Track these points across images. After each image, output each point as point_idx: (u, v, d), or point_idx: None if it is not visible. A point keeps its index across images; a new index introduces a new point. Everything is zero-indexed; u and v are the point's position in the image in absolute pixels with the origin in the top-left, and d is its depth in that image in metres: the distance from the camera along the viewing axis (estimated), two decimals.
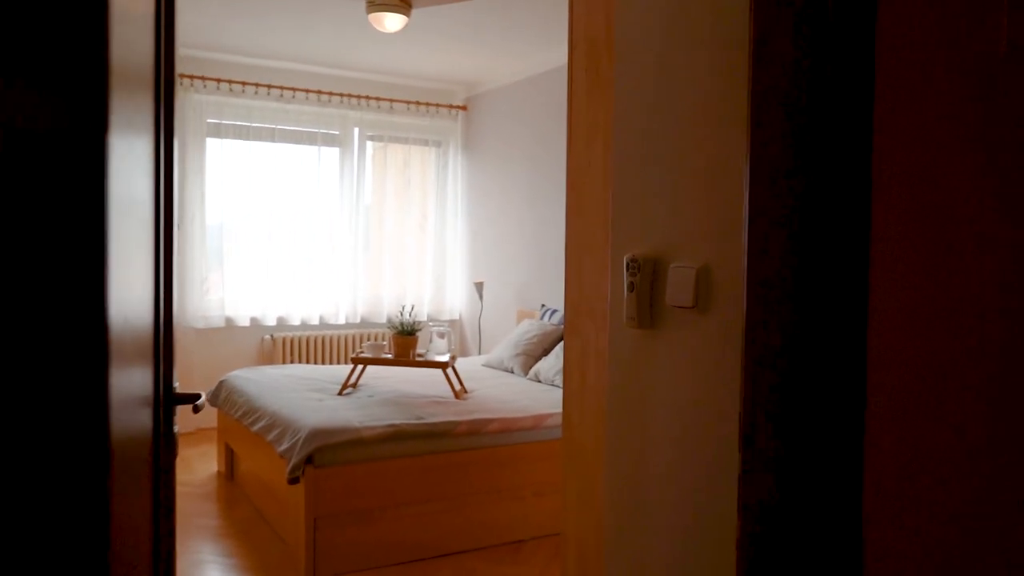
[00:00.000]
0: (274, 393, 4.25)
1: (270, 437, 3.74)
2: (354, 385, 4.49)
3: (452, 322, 7.02)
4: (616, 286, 1.60)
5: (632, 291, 1.51)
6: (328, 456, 3.44)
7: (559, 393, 4.47)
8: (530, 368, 5.06)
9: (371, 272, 6.68)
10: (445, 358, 4.38)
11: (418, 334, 4.47)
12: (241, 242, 6.13)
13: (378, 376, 4.74)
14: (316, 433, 3.45)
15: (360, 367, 4.47)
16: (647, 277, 1.49)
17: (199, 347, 5.98)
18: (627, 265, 1.53)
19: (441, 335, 4.48)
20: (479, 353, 6.59)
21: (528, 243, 6.08)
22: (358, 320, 6.52)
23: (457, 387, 4.37)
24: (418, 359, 4.38)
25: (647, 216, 1.52)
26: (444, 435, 3.72)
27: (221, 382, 4.87)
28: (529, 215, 6.07)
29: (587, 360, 2.23)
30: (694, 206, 1.41)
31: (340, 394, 4.30)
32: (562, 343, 4.94)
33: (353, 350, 6.50)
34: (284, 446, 3.53)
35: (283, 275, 6.26)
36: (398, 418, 3.74)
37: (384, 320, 6.60)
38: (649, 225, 1.51)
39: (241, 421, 4.24)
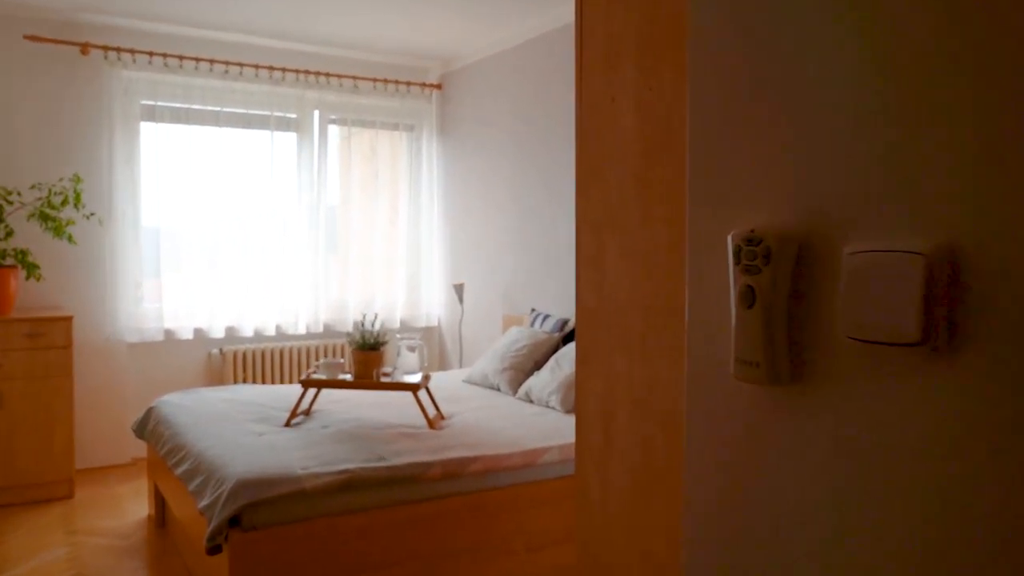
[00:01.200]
0: (206, 426, 3.43)
1: (191, 487, 2.92)
2: (306, 412, 3.69)
3: (429, 330, 6.22)
4: (702, 293, 0.82)
5: (751, 304, 0.72)
6: (261, 515, 2.63)
7: (555, 417, 3.69)
8: (519, 385, 4.28)
9: (335, 274, 5.87)
10: (416, 378, 3.59)
11: (384, 348, 3.68)
12: (182, 243, 5.30)
13: (336, 400, 3.93)
14: (244, 486, 2.64)
15: (313, 391, 3.66)
16: (785, 275, 0.71)
17: (134, 364, 5.14)
18: (735, 251, 0.74)
19: (412, 348, 3.68)
20: (460, 365, 5.79)
21: (514, 238, 5.29)
22: (320, 329, 5.71)
23: (432, 414, 3.57)
24: (383, 380, 3.58)
25: (784, 147, 0.73)
26: (413, 481, 2.92)
27: (150, 409, 4.04)
28: (515, 207, 5.28)
29: (615, 408, 1.44)
30: (923, 118, 0.63)
31: (288, 425, 3.48)
32: (557, 356, 4.16)
33: (315, 364, 5.68)
34: (205, 501, 2.72)
35: (232, 280, 5.43)
36: (354, 459, 2.93)
37: (351, 329, 5.79)
38: (788, 165, 0.73)
39: (166, 460, 3.42)
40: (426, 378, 3.65)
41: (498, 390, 4.39)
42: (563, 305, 4.82)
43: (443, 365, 6.11)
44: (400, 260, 6.07)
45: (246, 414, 3.69)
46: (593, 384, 1.49)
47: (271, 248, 5.55)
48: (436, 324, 6.21)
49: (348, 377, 3.60)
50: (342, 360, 3.63)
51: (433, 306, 6.20)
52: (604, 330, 1.47)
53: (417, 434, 3.32)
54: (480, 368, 4.55)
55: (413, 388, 3.49)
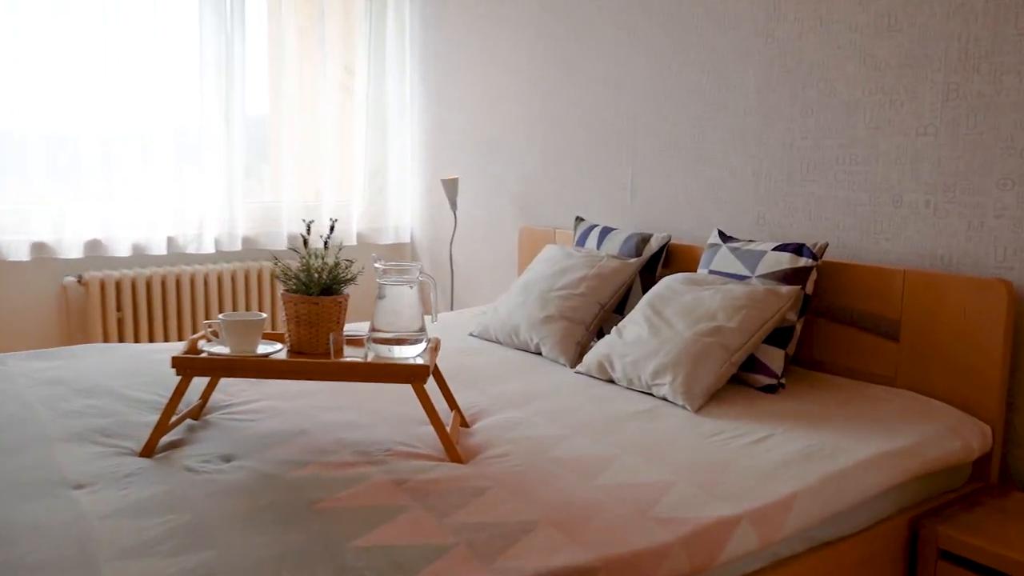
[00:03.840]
0: None
1: None
2: (195, 416, 1.85)
3: (397, 249, 4.35)
4: None
5: None
6: None
7: (703, 426, 1.69)
8: (581, 348, 2.50)
9: (261, 165, 3.91)
10: (415, 352, 1.76)
11: (349, 287, 1.84)
12: (19, 124, 3.26)
13: (261, 390, 2.08)
14: None
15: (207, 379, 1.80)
16: None
17: None
18: None
19: (408, 283, 1.82)
20: (452, 306, 3.96)
21: (536, 123, 3.41)
22: (238, 246, 3.78)
23: (449, 424, 1.76)
24: (347, 358, 1.75)
25: None
26: None
27: None
28: (538, 78, 3.38)
29: None
30: None
31: (147, 454, 1.64)
32: (650, 300, 2.36)
33: (232, 300, 3.77)
34: None
35: (95, 174, 3.44)
36: None
37: (285, 244, 3.87)
38: None
39: None
40: (435, 351, 1.82)
41: (538, 353, 2.60)
42: (618, 215, 3.01)
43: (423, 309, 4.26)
44: (356, 145, 4.13)
45: (76, 418, 1.83)
46: None
47: (157, 129, 3.54)
48: (408, 241, 4.33)
49: (276, 351, 1.75)
50: (263, 315, 1.77)
51: (404, 215, 4.31)
52: None
53: (432, 483, 1.51)
54: (502, 315, 2.73)
55: (413, 380, 1.66)
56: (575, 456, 1.69)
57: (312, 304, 1.78)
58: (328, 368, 1.68)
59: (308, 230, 1.88)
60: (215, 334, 1.83)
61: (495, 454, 1.70)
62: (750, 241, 2.42)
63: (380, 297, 1.82)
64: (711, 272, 2.44)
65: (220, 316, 1.75)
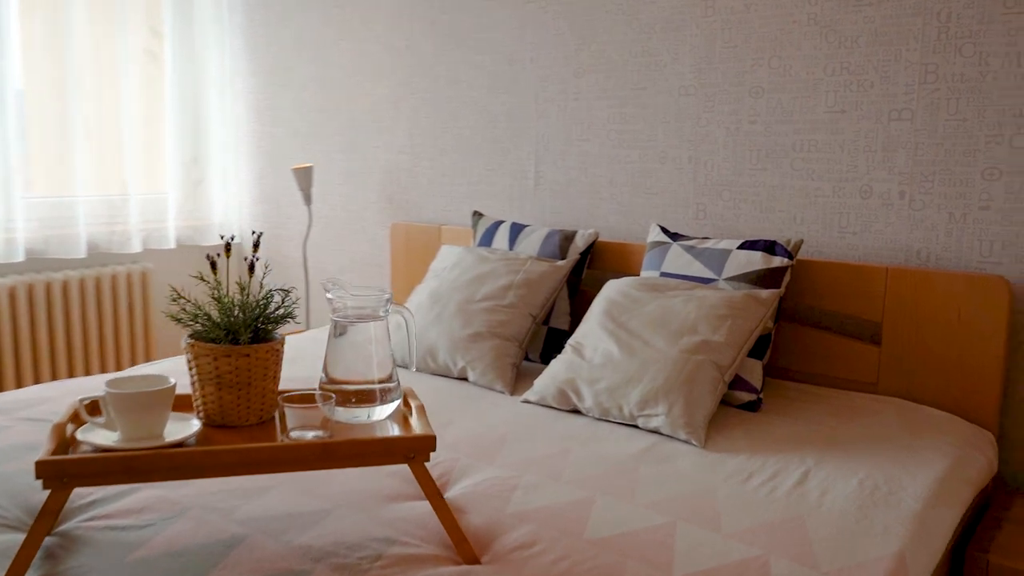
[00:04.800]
0: None
1: None
2: (46, 529, 1.22)
3: (222, 250, 3.65)
4: None
5: None
6: None
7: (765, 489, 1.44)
8: (513, 370, 2.09)
9: (41, 154, 3.06)
10: (390, 408, 1.29)
11: (280, 335, 1.31)
12: None
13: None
14: None
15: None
16: None
17: None
18: None
19: (378, 315, 1.33)
20: (309, 323, 3.36)
21: (411, 88, 2.93)
22: (21, 256, 2.92)
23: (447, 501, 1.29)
24: (307, 439, 1.23)
25: None
26: None
27: None
28: (410, 35, 2.90)
29: None
30: None
31: None
32: (607, 309, 2.00)
33: (14, 329, 2.90)
34: None
35: None
36: None
37: (82, 250, 3.06)
38: None
39: None
40: (421, 410, 1.33)
41: (464, 379, 2.16)
42: (517, 209, 2.65)
43: None
44: (169, 131, 3.38)
45: None
46: None
47: None
48: (238, 242, 3.65)
49: (191, 432, 1.19)
50: (172, 381, 1.18)
51: (233, 211, 3.62)
52: None
53: None
54: (409, 334, 2.25)
55: (417, 457, 1.18)
56: (622, 532, 1.30)
57: (241, 357, 1.23)
58: (290, 454, 1.15)
59: (228, 248, 1.31)
60: (92, 409, 1.22)
61: (518, 542, 1.26)
62: (704, 238, 2.15)
63: (336, 335, 1.31)
64: (665, 275, 2.13)
65: (105, 384, 1.15)
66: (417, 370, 2.24)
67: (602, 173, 2.52)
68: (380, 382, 1.30)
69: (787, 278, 2.00)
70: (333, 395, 1.26)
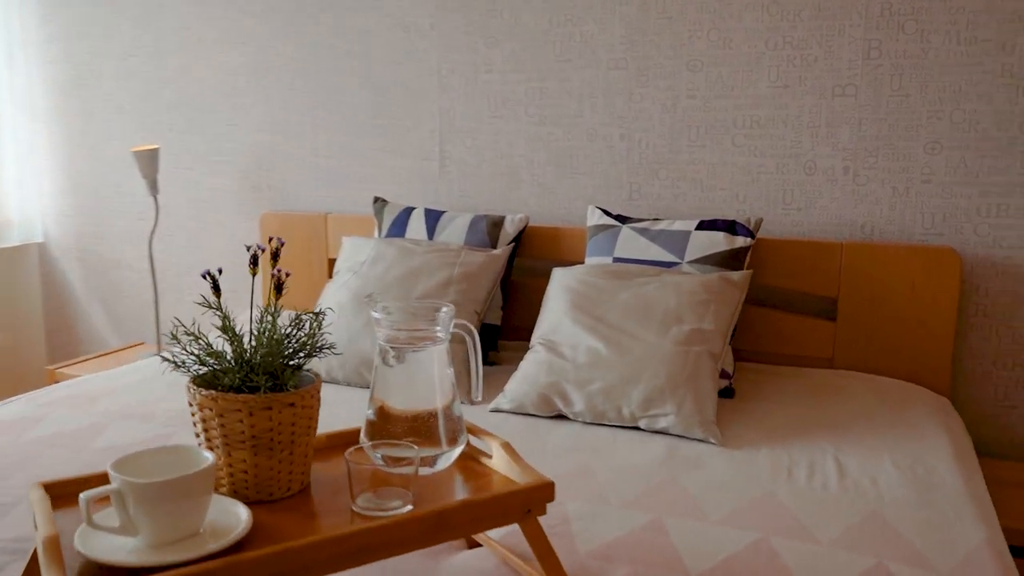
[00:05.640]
0: None
1: None
2: None
3: (17, 253, 3.00)
4: None
5: None
6: None
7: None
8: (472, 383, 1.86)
9: None
10: (456, 453, 1.03)
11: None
12: None
13: None
14: None
15: None
16: None
17: None
18: None
19: (440, 338, 1.09)
20: (159, 338, 2.82)
21: (280, 58, 2.54)
22: None
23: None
24: (400, 510, 0.94)
25: None
26: None
27: None
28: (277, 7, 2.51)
29: None
30: None
31: None
32: (570, 298, 1.83)
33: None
34: None
35: None
36: None
37: None
38: None
39: None
40: (509, 449, 1.08)
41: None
42: (419, 194, 2.40)
43: (71, 338, 3.00)
44: None
45: None
46: None
47: None
48: (41, 240, 3.01)
49: (242, 525, 0.86)
50: (209, 457, 0.84)
51: (31, 205, 2.97)
52: None
53: None
54: (336, 343, 1.92)
55: (532, 512, 0.95)
56: (724, 558, 1.15)
57: (284, 408, 0.92)
58: (405, 532, 0.86)
59: (255, 261, 0.97)
60: (99, 499, 0.85)
61: None
62: (655, 219, 2.04)
63: (388, 364, 1.03)
64: (619, 260, 2.00)
65: (113, 469, 0.79)
66: (350, 384, 1.93)
67: (520, 153, 2.32)
68: (446, 419, 1.04)
69: (749, 258, 1.94)
70: (414, 446, 0.98)
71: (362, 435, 1.06)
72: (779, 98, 2.05)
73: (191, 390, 0.93)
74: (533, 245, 2.25)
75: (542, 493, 0.95)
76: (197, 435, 0.95)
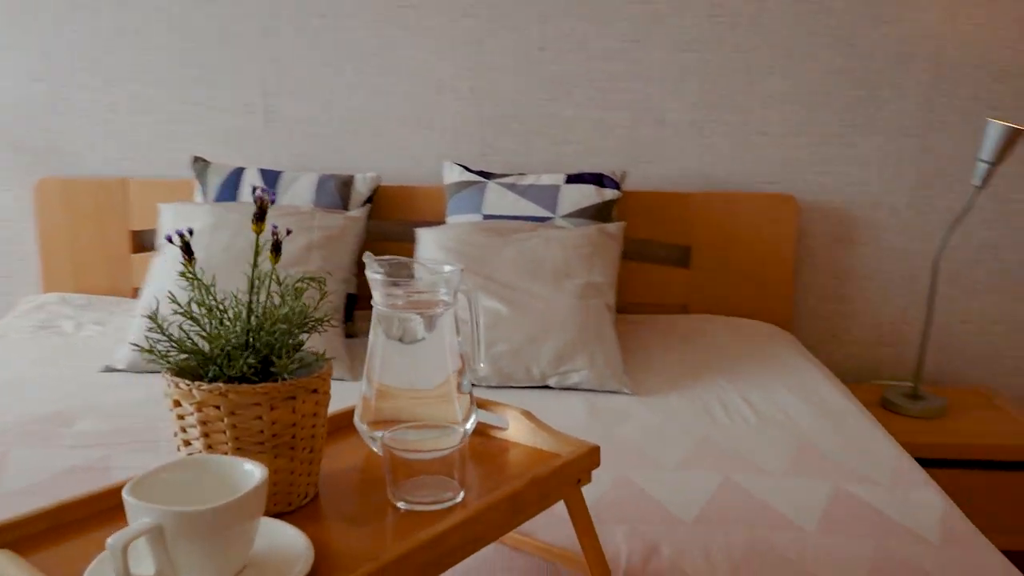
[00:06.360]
0: None
1: None
2: None
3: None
4: None
5: None
6: None
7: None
8: (351, 357, 1.70)
9: None
10: (467, 428, 0.93)
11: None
12: None
13: None
14: None
15: None
16: None
17: None
18: None
19: (448, 303, 0.92)
20: None
21: None
22: None
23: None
24: (447, 500, 0.81)
25: None
26: None
27: None
28: None
29: None
30: None
31: None
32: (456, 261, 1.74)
33: None
34: None
35: None
36: None
37: None
38: None
39: None
40: (531, 417, 0.97)
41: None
42: (236, 149, 2.16)
43: None
44: None
45: None
46: None
47: None
48: None
49: (304, 551, 0.69)
50: (261, 471, 0.63)
51: None
52: None
53: None
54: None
55: (582, 482, 0.87)
56: (710, 502, 1.15)
57: (307, 396, 0.76)
58: (483, 525, 0.74)
59: (262, 213, 0.77)
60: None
61: (639, 554, 1.03)
62: (521, 174, 1.99)
63: (391, 335, 0.89)
64: (489, 218, 1.92)
65: (133, 497, 0.59)
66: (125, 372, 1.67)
67: (359, 106, 2.14)
68: (460, 393, 0.92)
69: (615, 210, 1.96)
70: (463, 429, 0.85)
71: (357, 418, 0.91)
72: (630, 53, 2.08)
73: (183, 387, 0.72)
74: (383, 206, 2.09)
75: (591, 460, 0.87)
76: (187, 443, 0.74)
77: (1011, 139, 1.78)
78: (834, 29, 2.04)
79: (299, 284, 0.81)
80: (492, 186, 1.95)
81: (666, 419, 1.47)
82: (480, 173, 1.99)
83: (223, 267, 1.72)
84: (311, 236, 1.81)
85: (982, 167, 1.83)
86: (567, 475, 0.84)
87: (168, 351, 0.75)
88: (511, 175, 1.97)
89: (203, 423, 0.72)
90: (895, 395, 2.00)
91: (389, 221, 2.10)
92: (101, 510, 0.75)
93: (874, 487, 1.22)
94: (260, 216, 0.78)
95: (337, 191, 1.98)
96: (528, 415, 0.94)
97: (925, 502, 1.19)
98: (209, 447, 0.73)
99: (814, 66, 2.06)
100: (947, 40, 2.04)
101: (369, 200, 2.01)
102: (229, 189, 1.99)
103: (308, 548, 0.66)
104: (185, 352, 0.75)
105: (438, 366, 0.91)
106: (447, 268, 0.92)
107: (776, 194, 2.07)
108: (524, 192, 1.94)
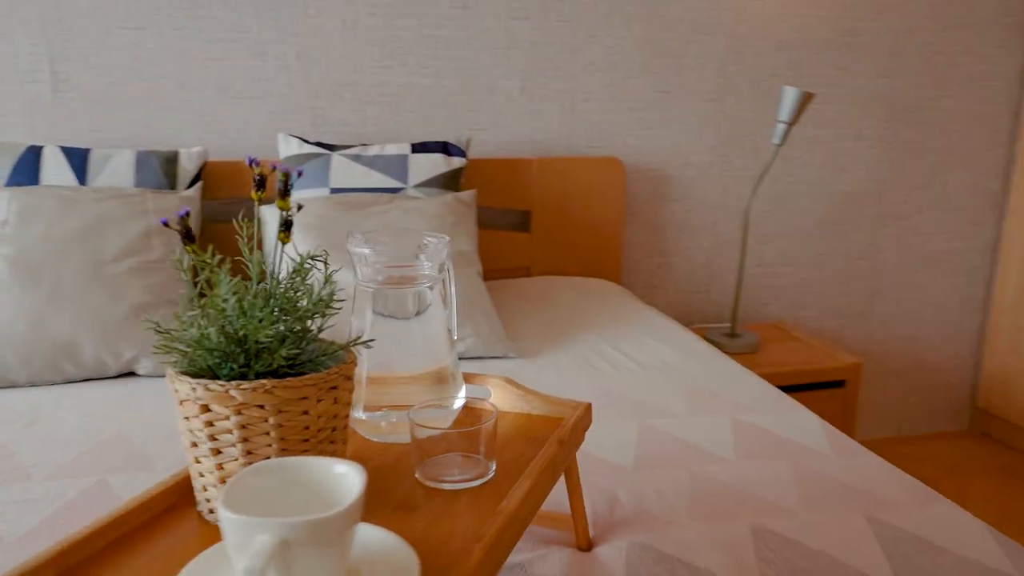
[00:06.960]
0: None
1: None
2: None
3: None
4: None
5: None
6: None
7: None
8: None
9: None
10: (456, 406, 0.92)
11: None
12: None
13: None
14: None
15: None
16: None
17: None
18: None
19: (437, 277, 0.88)
20: None
21: None
22: None
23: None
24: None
25: None
26: None
27: None
28: None
29: None
30: None
31: None
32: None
33: None
34: None
35: None
36: None
37: None
38: None
39: None
40: (512, 383, 0.96)
41: (133, 375, 1.50)
42: (23, 127, 1.91)
43: None
44: None
45: None
46: None
47: None
48: None
49: (404, 558, 0.64)
50: (361, 481, 0.54)
51: None
52: None
53: None
54: (4, 332, 1.42)
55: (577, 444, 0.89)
56: (668, 449, 1.22)
57: (344, 384, 0.71)
58: (534, 500, 0.73)
59: (261, 183, 0.67)
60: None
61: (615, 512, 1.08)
62: (364, 145, 1.92)
63: (381, 312, 0.85)
64: (338, 191, 1.84)
65: (230, 510, 0.52)
66: (34, 384, 1.44)
67: (166, 73, 1.93)
68: (452, 369, 0.90)
69: (463, 178, 1.97)
70: (494, 407, 0.83)
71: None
72: (460, 19, 2.07)
73: (215, 389, 0.63)
74: (214, 184, 1.92)
75: (587, 419, 0.90)
76: (215, 451, 0.65)
77: (803, 102, 2.03)
78: (644, 2, 2.19)
79: (307, 259, 0.74)
80: (337, 158, 1.87)
81: (561, 377, 1.52)
82: (320, 145, 1.89)
83: (45, 261, 1.49)
84: (148, 221, 1.62)
85: (781, 127, 2.08)
86: (576, 437, 0.86)
87: (185, 351, 0.65)
88: (354, 146, 1.90)
89: (243, 427, 0.64)
90: (716, 335, 2.23)
91: (222, 200, 1.93)
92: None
93: (762, 415, 1.37)
94: (284, 192, 0.70)
95: (161, 169, 1.78)
96: (511, 382, 0.94)
97: (805, 422, 1.35)
98: (248, 452, 0.65)
99: (627, 36, 2.20)
100: (740, 14, 2.27)
101: (198, 178, 1.83)
102: (25, 172, 1.71)
103: (403, 545, 0.62)
104: (206, 349, 0.66)
105: (433, 341, 0.87)
106: (430, 239, 0.88)
107: (605, 157, 2.19)
108: (371, 163, 1.87)
